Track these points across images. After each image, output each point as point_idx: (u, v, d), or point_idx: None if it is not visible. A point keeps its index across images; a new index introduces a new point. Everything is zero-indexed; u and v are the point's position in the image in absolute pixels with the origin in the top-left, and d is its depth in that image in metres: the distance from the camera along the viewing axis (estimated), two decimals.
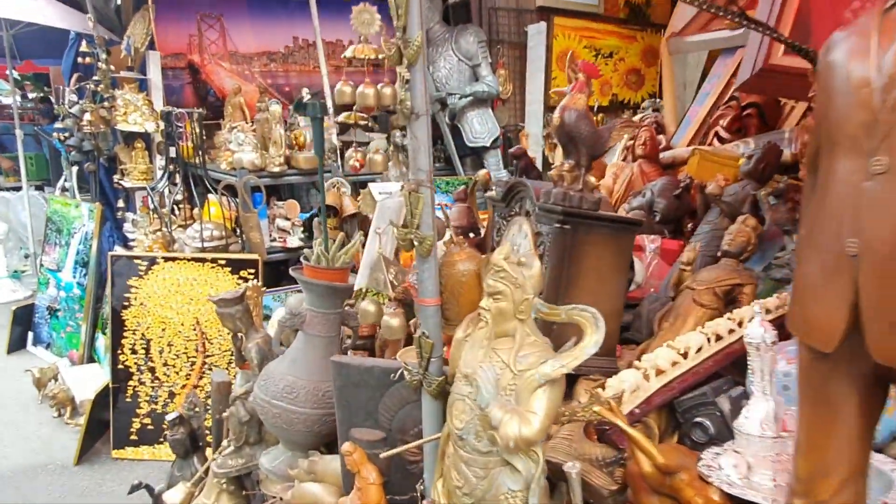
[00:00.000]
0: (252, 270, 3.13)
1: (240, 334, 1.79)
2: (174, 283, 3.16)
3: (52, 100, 10.02)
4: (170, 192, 3.68)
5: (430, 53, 4.91)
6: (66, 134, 4.32)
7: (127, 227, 4.37)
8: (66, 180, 4.77)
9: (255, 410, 1.62)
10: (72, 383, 3.80)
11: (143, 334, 3.18)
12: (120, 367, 3.20)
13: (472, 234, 2.56)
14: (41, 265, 4.61)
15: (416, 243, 1.16)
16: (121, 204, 4.45)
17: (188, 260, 3.15)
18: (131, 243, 4.17)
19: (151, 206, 4.21)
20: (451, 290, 1.23)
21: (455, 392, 1.07)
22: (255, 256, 3.15)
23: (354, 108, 2.33)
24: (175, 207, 4.18)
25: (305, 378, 1.50)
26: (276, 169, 3.64)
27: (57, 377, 3.92)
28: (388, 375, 1.28)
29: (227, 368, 3.16)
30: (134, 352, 3.19)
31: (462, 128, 4.92)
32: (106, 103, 4.19)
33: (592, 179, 1.48)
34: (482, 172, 2.58)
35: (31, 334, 4.62)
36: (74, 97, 4.27)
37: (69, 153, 4.84)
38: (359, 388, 1.32)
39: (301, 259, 1.60)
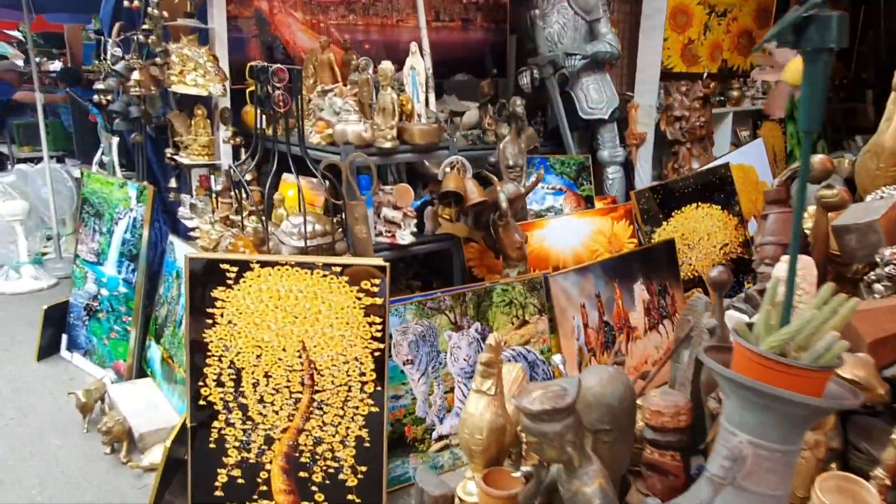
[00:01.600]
0: (376, 281, 2.37)
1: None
2: (273, 296, 2.40)
3: (66, 62, 9.15)
4: (256, 171, 2.90)
5: (541, 4, 4.08)
6: (109, 97, 3.52)
7: (182, 212, 3.61)
8: (103, 153, 3.98)
9: None
10: (123, 406, 3.06)
11: (231, 362, 2.43)
12: (201, 402, 2.45)
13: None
14: (77, 256, 3.85)
15: None
16: (173, 184, 3.68)
17: (292, 266, 2.38)
18: (192, 233, 3.41)
19: (214, 188, 3.43)
20: None
21: None
22: (380, 262, 2.38)
23: None
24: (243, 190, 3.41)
25: None
26: (388, 144, 2.86)
27: (104, 397, 3.19)
28: None
29: (342, 408, 2.42)
30: (220, 384, 2.44)
31: (575, 96, 4.12)
32: (158, 59, 3.39)
33: None
34: (819, 158, 1.77)
35: (64, 337, 3.87)
36: (119, 51, 3.46)
37: (107, 121, 4.05)
38: None
39: (733, 335, 0.84)
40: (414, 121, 3.02)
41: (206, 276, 2.41)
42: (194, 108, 3.42)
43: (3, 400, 3.33)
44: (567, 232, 3.55)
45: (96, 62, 3.46)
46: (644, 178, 4.61)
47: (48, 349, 3.87)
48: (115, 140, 3.88)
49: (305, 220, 2.52)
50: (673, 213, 3.87)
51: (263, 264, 2.40)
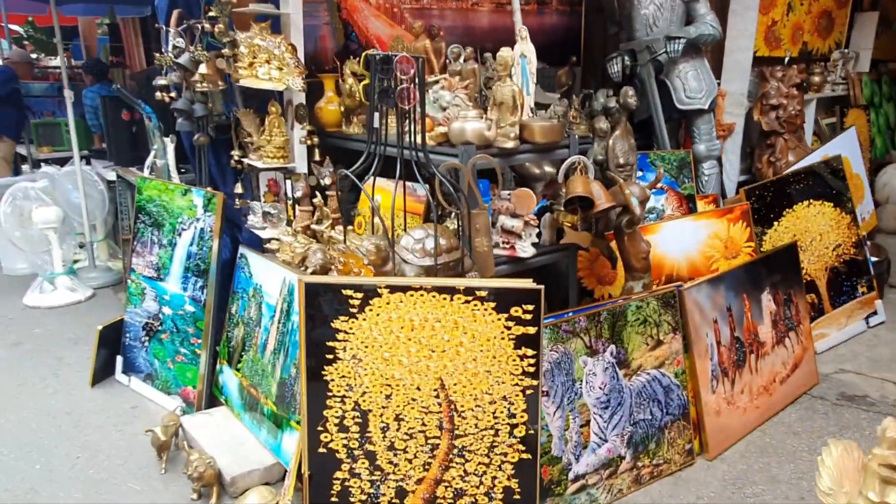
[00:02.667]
0: (529, 307, 2.03)
1: None
2: (405, 327, 2.06)
3: (68, 57, 8.71)
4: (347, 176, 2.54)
5: None
6: (172, 94, 3.16)
7: (253, 220, 3.26)
8: (156, 156, 3.62)
9: None
10: (205, 443, 2.74)
11: (356, 403, 2.10)
12: (321, 450, 2.11)
13: None
14: (131, 270, 3.49)
15: None
16: (238, 189, 3.33)
17: (428, 290, 2.03)
18: (268, 245, 3.07)
19: (292, 195, 3.08)
20: None
21: None
22: (530, 285, 2.03)
23: None
24: (318, 196, 3.06)
25: None
26: (510, 144, 2.51)
27: (178, 431, 2.85)
28: None
29: (488, 455, 2.09)
30: (343, 429, 2.10)
31: (671, 84, 3.77)
32: (225, 50, 3.03)
33: None
34: None
35: (119, 359, 3.53)
36: (181, 42, 3.09)
37: (160, 120, 3.68)
38: None
39: None
40: (527, 116, 2.66)
41: (326, 304, 2.07)
42: (268, 106, 3.06)
43: (65, 436, 2.98)
44: (681, 237, 3.21)
45: (157, 55, 3.09)
46: (731, 173, 4.27)
47: (101, 372, 3.53)
48: (170, 143, 3.51)
49: (437, 234, 2.17)
50: (784, 213, 3.54)
51: (393, 289, 2.05)
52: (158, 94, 3.13)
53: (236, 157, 3.26)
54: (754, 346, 2.99)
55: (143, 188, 3.46)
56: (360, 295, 2.06)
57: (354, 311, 2.07)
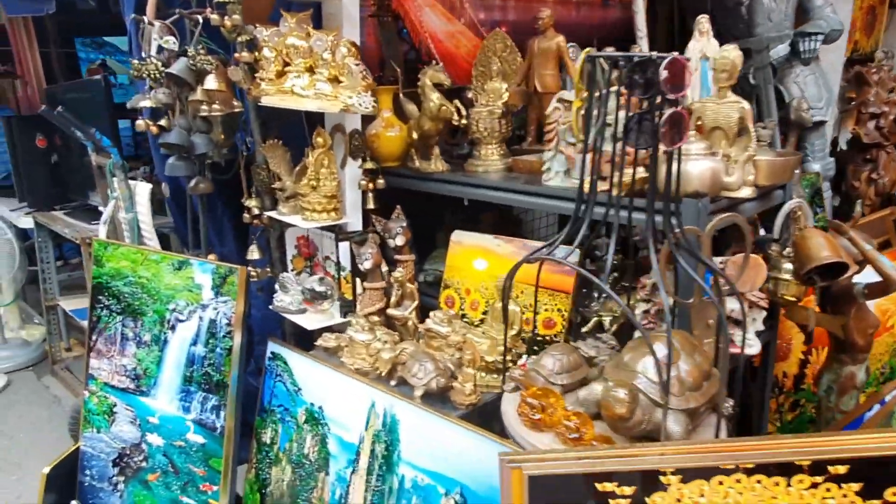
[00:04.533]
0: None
1: None
2: None
3: None
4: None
5: None
6: (160, 122, 2.08)
7: (283, 301, 2.25)
8: (118, 209, 2.49)
9: None
10: None
11: None
12: None
13: None
14: (90, 378, 2.37)
15: None
16: (254, 254, 2.30)
17: (749, 473, 1.15)
18: (322, 342, 2.07)
19: (361, 265, 2.11)
20: None
21: None
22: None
23: None
24: (393, 268, 2.10)
25: None
26: (747, 192, 1.65)
27: None
28: None
29: None
30: None
31: (787, 92, 3.04)
32: (244, 54, 2.02)
33: None
34: None
35: None
36: (171, 42, 2.03)
37: (122, 156, 2.55)
38: None
39: None
40: (745, 146, 1.79)
41: None
42: (314, 136, 2.06)
43: None
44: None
45: (135, 62, 2.00)
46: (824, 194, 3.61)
47: None
48: (144, 188, 2.41)
49: (719, 353, 1.27)
50: None
51: (688, 475, 1.15)
52: (141, 122, 2.04)
53: (254, 210, 2.23)
54: None
55: (106, 258, 2.34)
56: (630, 490, 1.14)
57: None
